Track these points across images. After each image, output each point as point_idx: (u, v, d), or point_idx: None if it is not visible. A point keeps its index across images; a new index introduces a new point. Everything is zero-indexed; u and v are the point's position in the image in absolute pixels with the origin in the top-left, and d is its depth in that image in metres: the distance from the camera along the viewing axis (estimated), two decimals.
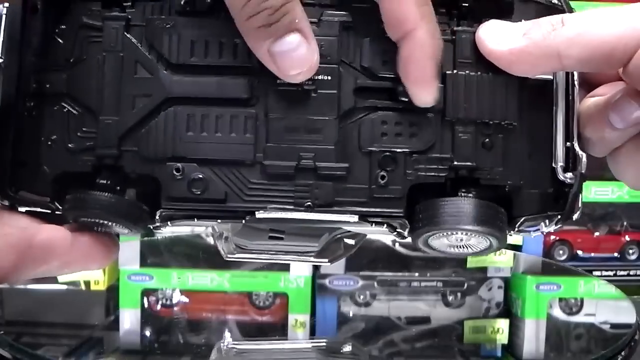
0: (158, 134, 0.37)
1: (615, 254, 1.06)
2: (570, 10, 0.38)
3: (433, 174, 0.38)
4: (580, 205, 0.37)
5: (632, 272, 1.04)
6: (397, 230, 0.38)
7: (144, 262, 0.85)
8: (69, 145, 0.38)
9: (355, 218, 0.38)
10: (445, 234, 0.37)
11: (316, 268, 0.87)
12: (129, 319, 0.79)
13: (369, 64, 0.37)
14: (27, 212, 0.38)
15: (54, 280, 0.80)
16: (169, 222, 0.39)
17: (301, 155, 0.37)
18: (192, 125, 0.37)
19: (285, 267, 0.85)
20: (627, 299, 0.75)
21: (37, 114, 0.38)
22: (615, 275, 1.04)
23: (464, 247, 0.38)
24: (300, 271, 0.84)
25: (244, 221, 0.38)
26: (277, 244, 0.42)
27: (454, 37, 0.38)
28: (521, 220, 0.38)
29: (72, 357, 0.70)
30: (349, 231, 0.42)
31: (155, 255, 0.89)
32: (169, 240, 0.96)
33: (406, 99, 0.37)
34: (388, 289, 0.86)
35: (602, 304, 0.84)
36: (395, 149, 0.37)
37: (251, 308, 0.84)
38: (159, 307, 0.83)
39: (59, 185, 0.38)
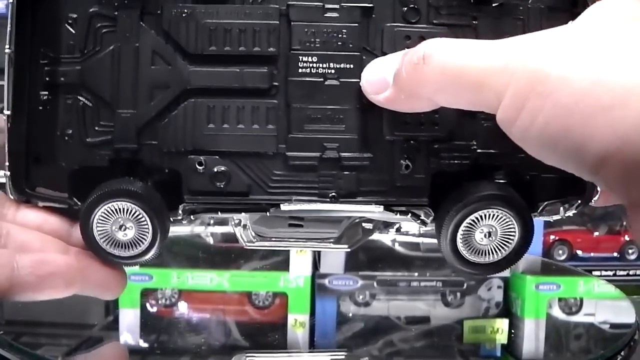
0: (178, 127, 0.37)
1: (615, 254, 1.07)
2: None
3: (456, 161, 0.37)
4: (599, 188, 0.36)
5: (631, 272, 1.05)
6: (421, 218, 0.38)
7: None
8: (87, 139, 0.37)
9: (381, 208, 0.37)
10: (475, 220, 0.36)
11: (316, 268, 0.87)
12: (128, 319, 0.79)
13: (390, 50, 0.36)
14: (44, 234, 0.37)
15: None
16: (191, 216, 0.38)
17: (325, 146, 0.37)
18: (212, 117, 0.37)
19: (285, 267, 0.85)
20: (627, 299, 0.74)
21: (52, 107, 0.37)
22: (614, 275, 1.04)
23: (490, 241, 0.37)
24: (300, 271, 0.84)
25: (268, 213, 0.38)
26: (297, 231, 0.42)
27: (475, 22, 0.37)
28: (543, 205, 0.38)
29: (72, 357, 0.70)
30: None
31: None
32: (169, 240, 0.96)
33: None
34: (387, 288, 0.86)
35: (602, 304, 0.84)
36: (419, 138, 0.37)
37: (251, 308, 0.84)
38: (158, 307, 0.83)
39: (77, 180, 0.38)
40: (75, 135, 0.37)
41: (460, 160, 0.37)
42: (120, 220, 0.36)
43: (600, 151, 0.26)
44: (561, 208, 0.38)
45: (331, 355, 0.53)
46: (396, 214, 0.38)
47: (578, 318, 0.84)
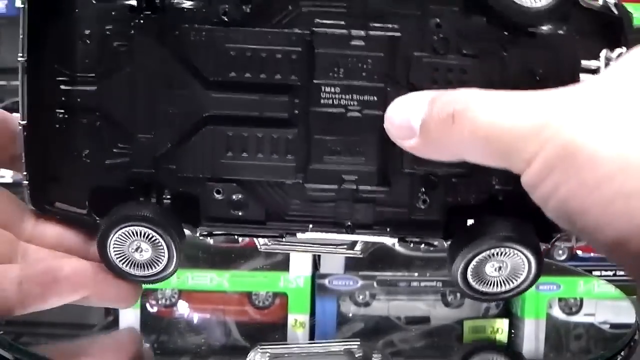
0: (196, 154, 0.36)
1: None
2: (627, 16, 0.35)
3: (474, 196, 0.37)
4: None
5: None
6: (434, 246, 0.38)
7: None
8: (105, 161, 0.36)
9: (395, 240, 0.38)
10: (487, 256, 0.36)
11: (316, 268, 0.87)
12: (128, 319, 0.79)
13: (417, 81, 0.35)
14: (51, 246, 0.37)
15: None
16: (209, 238, 0.38)
17: (343, 178, 0.36)
18: (231, 145, 0.36)
19: (285, 267, 0.85)
20: (627, 299, 0.74)
21: (68, 126, 0.36)
22: (614, 275, 1.04)
23: (500, 274, 0.37)
24: (300, 271, 0.84)
25: (284, 239, 0.38)
26: (311, 236, 0.41)
27: (505, 53, 0.35)
28: (556, 237, 0.38)
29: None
30: None
31: None
32: None
33: None
34: (387, 288, 0.86)
35: (602, 304, 0.84)
36: (437, 172, 0.37)
37: (251, 308, 0.84)
38: (158, 307, 0.83)
39: (95, 196, 0.37)
40: (92, 156, 0.36)
41: (479, 196, 0.37)
42: (136, 242, 0.36)
43: (616, 235, 0.26)
44: (574, 237, 0.38)
45: (344, 344, 0.53)
46: (410, 245, 0.38)
47: (578, 318, 0.84)
